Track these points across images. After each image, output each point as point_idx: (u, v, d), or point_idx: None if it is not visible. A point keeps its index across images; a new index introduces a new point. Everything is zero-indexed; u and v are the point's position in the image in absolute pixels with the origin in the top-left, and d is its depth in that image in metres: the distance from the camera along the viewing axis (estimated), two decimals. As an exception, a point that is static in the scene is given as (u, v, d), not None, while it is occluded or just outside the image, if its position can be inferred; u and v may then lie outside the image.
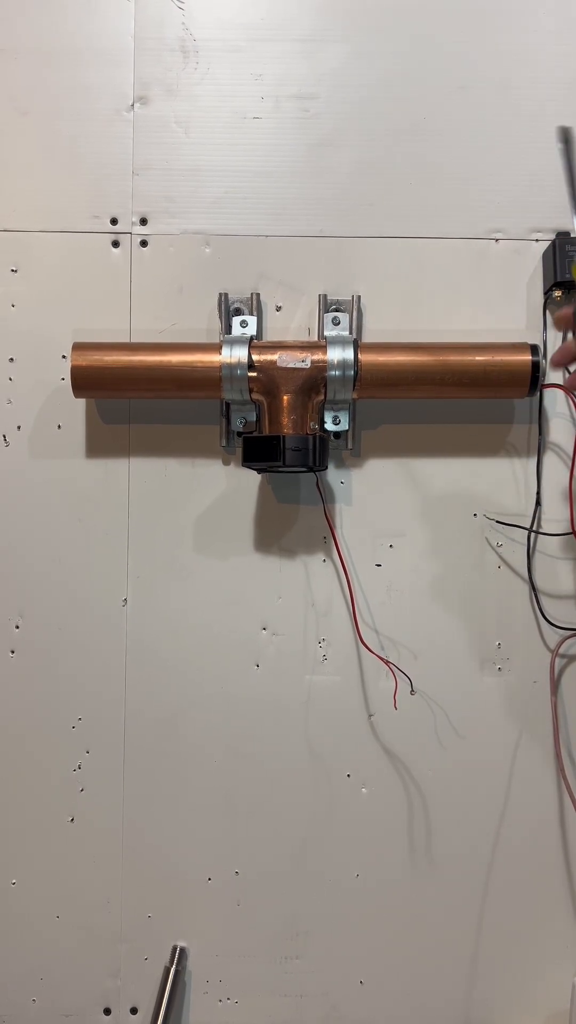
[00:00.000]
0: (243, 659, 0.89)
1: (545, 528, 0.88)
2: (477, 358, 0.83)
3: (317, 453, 0.81)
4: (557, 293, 0.85)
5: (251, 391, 0.84)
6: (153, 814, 0.90)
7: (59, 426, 0.89)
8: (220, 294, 0.87)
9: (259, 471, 0.88)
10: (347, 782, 0.89)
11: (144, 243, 0.89)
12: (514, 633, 0.88)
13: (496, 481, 0.88)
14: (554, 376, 0.88)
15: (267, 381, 0.83)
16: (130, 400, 0.89)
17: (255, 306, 0.88)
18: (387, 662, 0.88)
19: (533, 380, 0.83)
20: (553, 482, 0.88)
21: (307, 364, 0.82)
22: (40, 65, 0.89)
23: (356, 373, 0.83)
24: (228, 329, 0.87)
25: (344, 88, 0.88)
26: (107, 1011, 0.91)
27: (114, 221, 0.89)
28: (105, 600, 0.89)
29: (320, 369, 0.82)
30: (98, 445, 0.90)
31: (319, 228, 0.89)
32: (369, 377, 0.83)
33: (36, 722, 0.90)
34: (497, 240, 0.88)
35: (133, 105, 0.89)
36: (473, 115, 0.88)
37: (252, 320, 0.87)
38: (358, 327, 0.87)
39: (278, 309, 0.89)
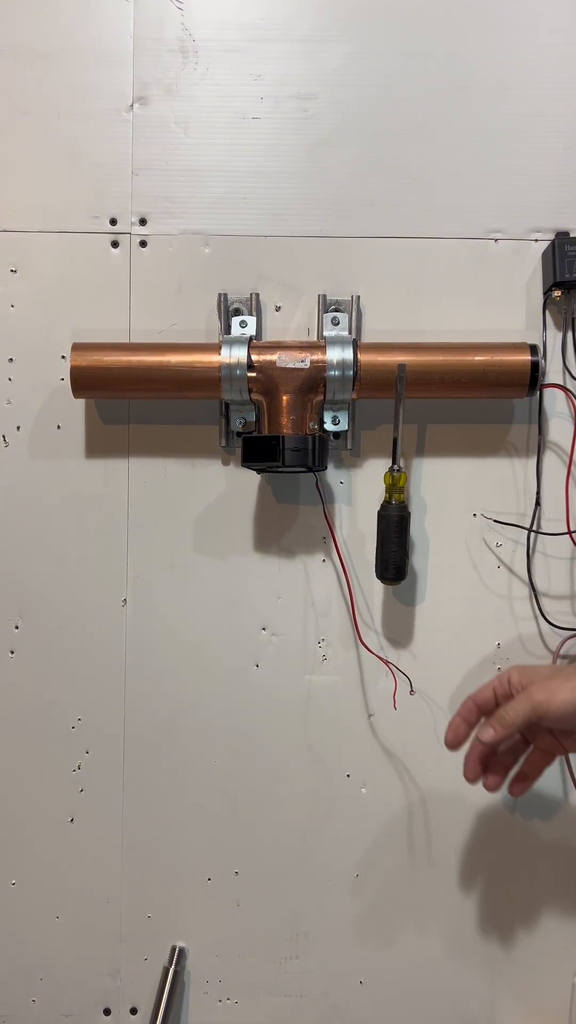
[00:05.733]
0: (243, 659, 0.89)
1: (545, 528, 0.87)
2: (477, 358, 0.83)
3: (316, 453, 0.81)
4: (557, 293, 0.85)
5: (250, 391, 0.84)
6: (153, 814, 0.90)
7: (59, 426, 0.90)
8: (219, 294, 0.87)
9: (259, 471, 0.88)
10: (347, 782, 0.89)
11: (143, 243, 0.89)
12: (513, 633, 0.88)
13: (496, 481, 0.88)
14: (554, 376, 0.88)
15: (266, 381, 0.83)
16: (130, 400, 0.89)
17: (254, 306, 0.88)
18: (387, 662, 0.88)
19: (533, 380, 0.83)
20: (553, 482, 0.88)
21: (306, 364, 0.82)
22: (40, 65, 0.89)
23: (355, 373, 0.83)
24: (227, 329, 0.87)
25: (344, 88, 0.88)
26: (107, 1011, 0.91)
27: (113, 221, 0.89)
28: (105, 600, 0.90)
29: (319, 369, 0.82)
30: (98, 445, 0.90)
31: (319, 228, 0.89)
32: (368, 377, 0.83)
33: (36, 722, 0.90)
34: (497, 240, 0.88)
35: (132, 105, 0.89)
36: (473, 115, 0.88)
37: (251, 320, 0.87)
38: (357, 327, 0.87)
39: (277, 309, 0.89)
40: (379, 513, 0.82)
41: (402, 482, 0.82)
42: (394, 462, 0.82)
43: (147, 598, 0.90)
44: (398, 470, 0.82)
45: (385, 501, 0.82)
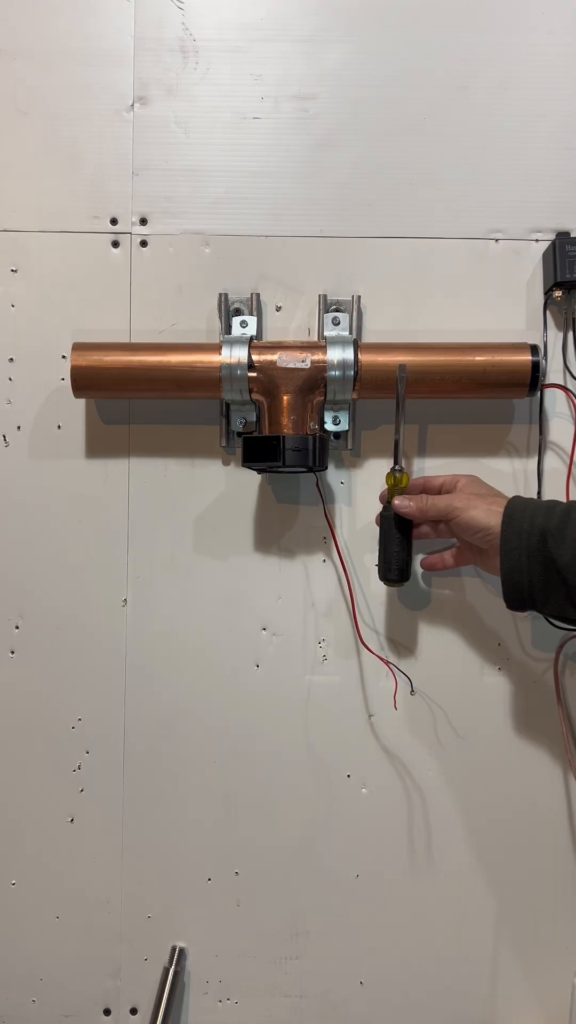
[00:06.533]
0: (243, 659, 0.89)
1: (545, 528, 0.87)
2: (477, 358, 0.83)
3: (317, 453, 0.81)
4: (557, 293, 0.85)
5: (251, 391, 0.84)
6: (153, 814, 0.90)
7: (59, 426, 0.90)
8: (220, 294, 0.87)
9: (259, 471, 0.88)
10: (347, 782, 0.89)
11: (144, 243, 0.89)
12: (514, 633, 0.88)
13: (497, 481, 0.88)
14: (554, 376, 0.88)
15: (267, 381, 0.83)
16: (130, 400, 0.89)
17: (255, 306, 0.88)
18: (387, 662, 0.88)
19: (533, 380, 0.83)
20: (554, 482, 0.88)
21: (307, 364, 0.82)
22: (40, 65, 0.89)
23: (356, 373, 0.83)
24: (228, 329, 0.87)
25: (344, 88, 0.88)
26: (107, 1011, 0.91)
27: (114, 221, 0.89)
28: (105, 600, 0.89)
29: (320, 369, 0.82)
30: (98, 445, 0.90)
31: (319, 228, 0.89)
32: (369, 377, 0.83)
33: (36, 722, 0.90)
34: (497, 240, 0.88)
35: (133, 105, 0.89)
36: (473, 115, 0.88)
37: (252, 320, 0.87)
38: (358, 327, 0.87)
39: (278, 309, 0.89)
40: (381, 514, 0.82)
41: (404, 483, 0.82)
42: (396, 463, 0.82)
43: (147, 598, 0.90)
44: (400, 471, 0.82)
45: (387, 501, 0.82)
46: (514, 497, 0.77)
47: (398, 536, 0.81)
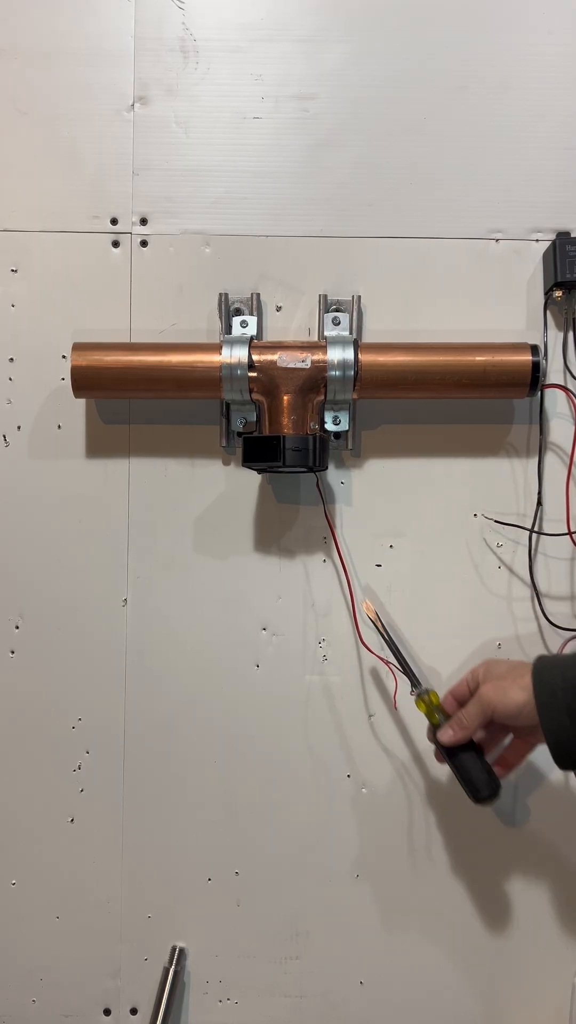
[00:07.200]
0: (243, 659, 0.89)
1: (547, 529, 0.87)
2: (477, 358, 0.83)
3: (317, 453, 0.81)
4: (557, 293, 0.85)
5: (251, 391, 0.84)
6: (153, 814, 0.90)
7: (59, 426, 0.90)
8: (220, 294, 0.87)
9: (259, 471, 0.88)
10: (347, 782, 0.89)
11: (144, 243, 0.89)
12: (514, 634, 0.88)
13: (496, 481, 0.88)
14: (555, 376, 0.88)
15: (267, 381, 0.83)
16: (130, 400, 0.89)
17: (255, 306, 0.88)
18: (387, 662, 0.88)
19: (533, 380, 0.83)
20: (554, 482, 0.88)
21: (307, 364, 0.82)
22: (40, 65, 0.89)
23: (356, 373, 0.83)
24: (228, 329, 0.87)
25: (344, 88, 0.88)
26: (107, 1011, 0.91)
27: (114, 221, 0.89)
28: (105, 600, 0.89)
29: (320, 369, 0.82)
30: (98, 445, 0.90)
31: (319, 228, 0.89)
32: (369, 377, 0.83)
33: (36, 722, 0.90)
34: (497, 240, 0.88)
35: (133, 105, 0.89)
36: (473, 115, 0.88)
37: (252, 320, 0.87)
38: (358, 327, 0.87)
39: (278, 309, 0.89)
40: (435, 740, 0.79)
41: (436, 700, 0.80)
42: (415, 686, 0.81)
43: (147, 598, 0.90)
44: (425, 692, 0.80)
45: (434, 725, 0.79)
46: (537, 658, 0.74)
47: (465, 756, 0.78)
